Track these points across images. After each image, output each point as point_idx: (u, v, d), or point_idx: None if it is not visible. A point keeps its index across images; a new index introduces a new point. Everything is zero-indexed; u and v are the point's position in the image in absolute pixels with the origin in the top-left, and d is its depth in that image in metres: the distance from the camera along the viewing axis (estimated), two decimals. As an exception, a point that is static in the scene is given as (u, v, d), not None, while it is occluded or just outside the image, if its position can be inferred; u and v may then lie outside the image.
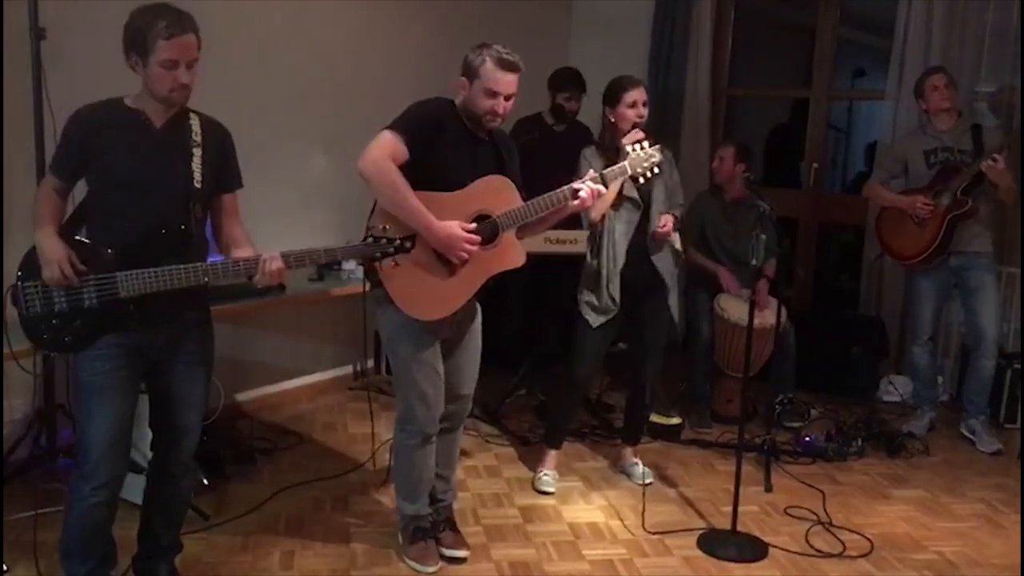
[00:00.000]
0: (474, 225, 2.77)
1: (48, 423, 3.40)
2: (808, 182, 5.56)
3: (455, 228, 2.71)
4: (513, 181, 2.90)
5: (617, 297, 3.48)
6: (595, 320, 3.52)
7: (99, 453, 2.38)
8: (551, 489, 3.64)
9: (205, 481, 3.38)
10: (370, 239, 2.52)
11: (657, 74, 5.65)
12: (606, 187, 2.96)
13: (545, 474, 3.69)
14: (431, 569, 2.97)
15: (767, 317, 4.18)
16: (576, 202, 2.90)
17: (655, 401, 3.89)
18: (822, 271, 5.95)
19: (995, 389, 4.52)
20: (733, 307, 4.37)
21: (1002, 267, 4.68)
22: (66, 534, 2.48)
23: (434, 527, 3.08)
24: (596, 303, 3.50)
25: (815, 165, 5.45)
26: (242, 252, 2.48)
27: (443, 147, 2.77)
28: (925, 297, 4.37)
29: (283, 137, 4.21)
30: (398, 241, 2.51)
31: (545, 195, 2.86)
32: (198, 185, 2.40)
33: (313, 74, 4.37)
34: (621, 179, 3.11)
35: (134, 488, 2.78)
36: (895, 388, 4.90)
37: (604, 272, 3.47)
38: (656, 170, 3.06)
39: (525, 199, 2.89)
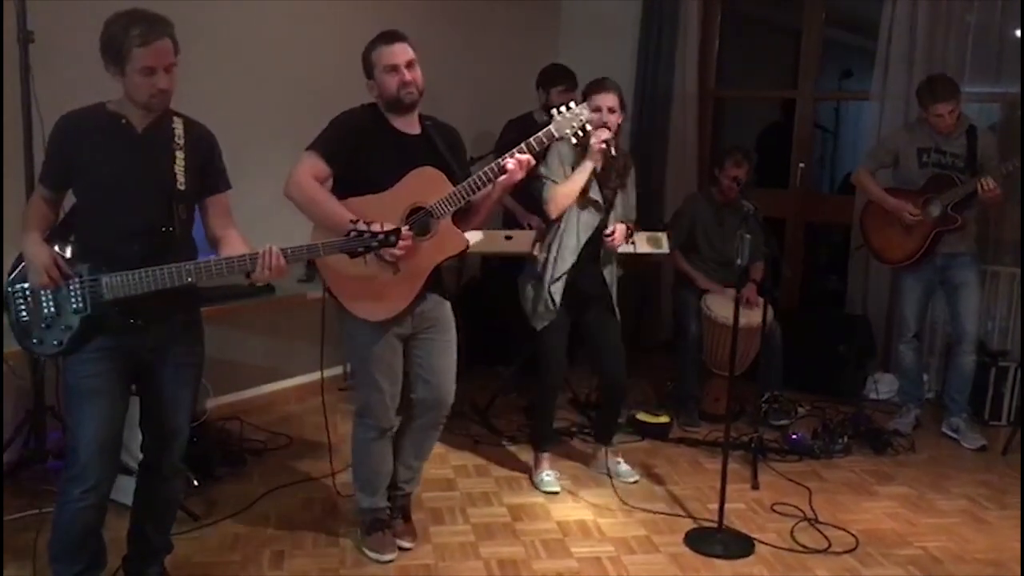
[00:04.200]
0: (405, 227, 2.73)
1: (37, 425, 3.41)
2: (795, 182, 5.60)
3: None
4: (455, 170, 2.90)
5: (557, 300, 3.45)
6: (539, 323, 3.51)
7: (88, 456, 2.38)
8: (556, 488, 3.65)
9: (195, 482, 3.39)
10: (353, 233, 2.50)
11: (645, 75, 5.68)
12: (533, 155, 2.86)
13: (546, 475, 3.70)
14: (389, 557, 3.03)
15: (754, 316, 4.21)
16: (504, 176, 2.82)
17: (622, 403, 3.87)
18: (809, 270, 5.98)
19: (979, 386, 4.56)
20: (720, 306, 4.40)
21: (986, 265, 4.74)
22: (55, 537, 2.49)
23: (390, 515, 3.15)
24: (533, 307, 3.50)
25: (801, 165, 5.49)
26: (235, 251, 2.49)
27: (366, 152, 2.83)
28: (911, 295, 4.41)
29: (265, 140, 4.21)
30: (382, 235, 2.51)
31: (473, 176, 2.83)
32: (181, 187, 2.40)
33: (297, 76, 4.37)
34: (550, 143, 2.97)
35: (124, 489, 2.79)
36: (881, 386, 4.94)
37: (547, 274, 3.44)
38: (588, 127, 2.94)
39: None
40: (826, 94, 6.45)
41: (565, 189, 3.35)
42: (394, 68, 2.82)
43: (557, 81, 4.71)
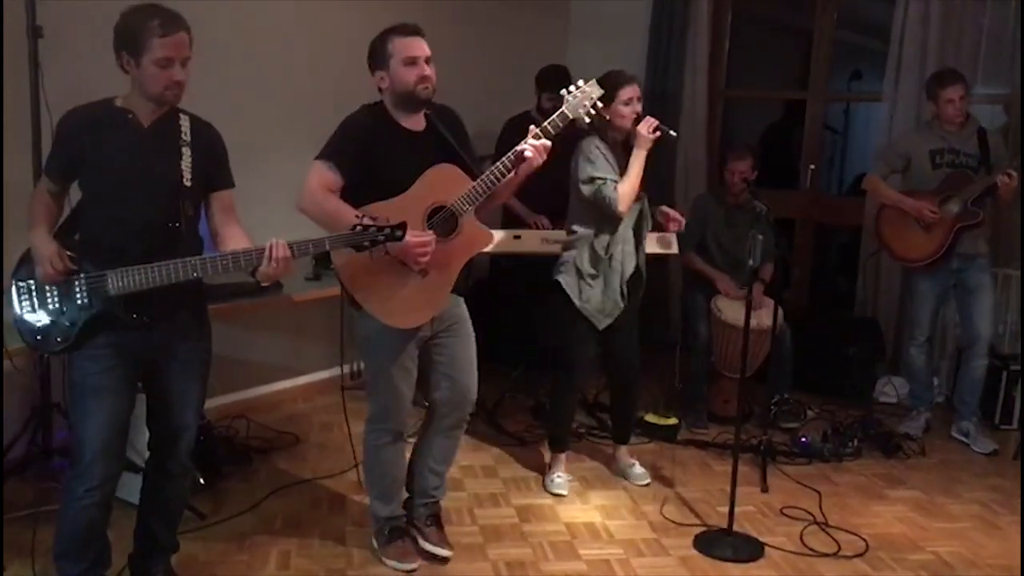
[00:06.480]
0: (429, 233, 2.68)
1: (44, 422, 3.40)
2: (805, 183, 5.56)
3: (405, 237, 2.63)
4: (464, 159, 2.82)
5: (626, 295, 3.47)
6: (602, 323, 3.49)
7: (93, 454, 2.37)
8: (564, 491, 3.62)
9: (202, 481, 3.38)
10: (358, 227, 2.44)
11: (654, 76, 5.65)
12: (549, 139, 2.79)
13: (558, 476, 3.68)
14: (412, 566, 2.96)
15: (764, 318, 4.18)
16: (524, 163, 2.77)
17: (638, 399, 3.87)
18: (818, 272, 5.95)
19: (991, 390, 4.53)
20: (730, 308, 4.37)
21: (998, 268, 4.70)
22: (59, 535, 2.48)
23: (421, 522, 3.09)
24: (602, 306, 3.48)
25: (812, 166, 5.45)
26: (239, 247, 2.47)
27: (378, 155, 2.73)
28: (925, 298, 4.36)
29: (276, 138, 4.20)
30: (388, 229, 2.44)
31: (492, 167, 2.75)
32: (187, 183, 2.40)
33: (308, 75, 4.36)
34: (565, 124, 2.87)
35: (131, 487, 2.79)
36: (891, 389, 4.91)
37: (618, 271, 3.45)
38: (600, 104, 2.90)
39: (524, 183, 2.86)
40: (837, 95, 6.43)
41: (630, 185, 3.31)
42: (414, 61, 2.72)
43: (546, 87, 4.69)
